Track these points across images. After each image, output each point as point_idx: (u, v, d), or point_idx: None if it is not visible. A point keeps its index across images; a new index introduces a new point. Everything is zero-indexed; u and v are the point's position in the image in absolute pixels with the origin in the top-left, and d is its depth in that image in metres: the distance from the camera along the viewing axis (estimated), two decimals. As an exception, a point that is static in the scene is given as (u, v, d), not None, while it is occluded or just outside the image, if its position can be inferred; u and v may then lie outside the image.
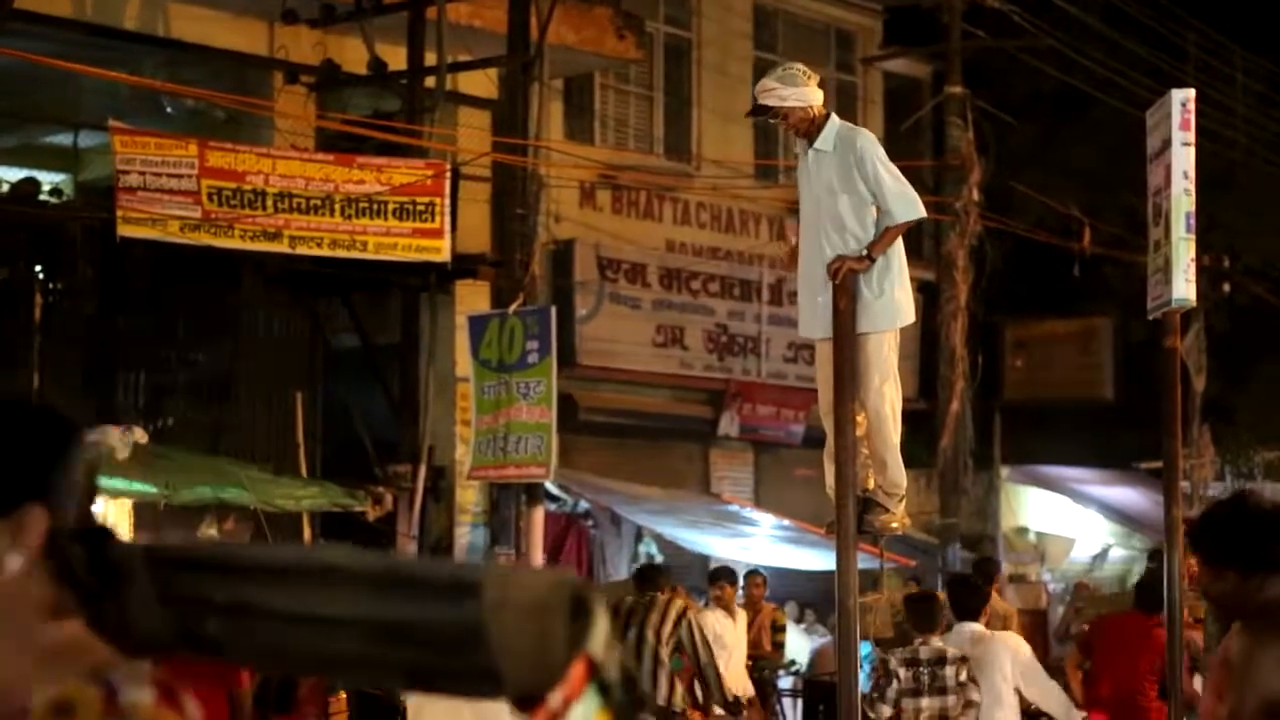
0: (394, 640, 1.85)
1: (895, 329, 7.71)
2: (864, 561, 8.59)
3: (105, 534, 1.98)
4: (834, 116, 7.71)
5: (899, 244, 7.72)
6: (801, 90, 7.60)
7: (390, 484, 15.28)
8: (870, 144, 7.63)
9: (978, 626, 9.59)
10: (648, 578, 11.22)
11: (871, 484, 7.77)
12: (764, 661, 14.95)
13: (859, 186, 7.55)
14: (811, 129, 7.65)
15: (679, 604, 10.87)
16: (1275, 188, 24.75)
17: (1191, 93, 8.59)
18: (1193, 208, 8.49)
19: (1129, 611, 11.72)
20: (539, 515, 15.74)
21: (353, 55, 16.60)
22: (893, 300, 7.63)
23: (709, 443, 20.38)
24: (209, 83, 15.94)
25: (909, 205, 7.62)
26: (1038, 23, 21.10)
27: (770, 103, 7.62)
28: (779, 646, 15.33)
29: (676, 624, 10.53)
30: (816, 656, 16.96)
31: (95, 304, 15.99)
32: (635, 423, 19.26)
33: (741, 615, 13.71)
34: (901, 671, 9.05)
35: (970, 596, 9.86)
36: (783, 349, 20.30)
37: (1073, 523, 23.56)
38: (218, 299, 16.20)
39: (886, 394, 7.63)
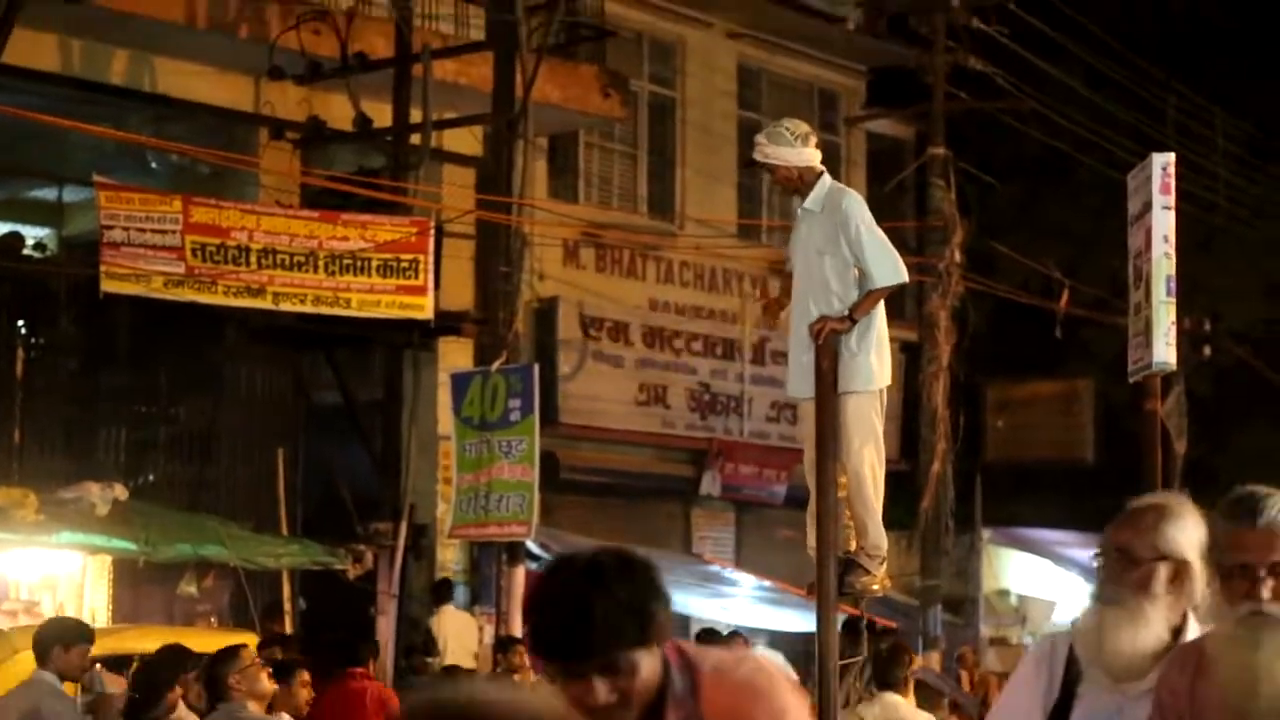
0: None
1: (872, 391, 7.72)
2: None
3: None
4: (826, 177, 7.75)
5: (880, 307, 7.74)
6: (783, 150, 7.65)
7: (371, 542, 15.22)
8: (855, 205, 7.66)
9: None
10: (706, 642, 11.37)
11: (853, 545, 7.76)
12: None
13: (842, 249, 7.59)
14: (800, 187, 7.69)
15: None
16: (1256, 251, 24.87)
17: (1172, 156, 8.62)
18: (1173, 271, 8.51)
19: None
20: (520, 574, 15.68)
21: (338, 112, 16.65)
22: (869, 362, 7.65)
23: (691, 502, 20.36)
24: (194, 138, 15.97)
25: (891, 270, 7.64)
26: (1020, 85, 21.24)
27: (758, 159, 7.71)
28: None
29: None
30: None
31: (78, 359, 15.98)
32: (617, 481, 19.23)
33: None
34: None
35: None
36: (765, 408, 20.30)
37: (1054, 585, 23.53)
38: (200, 355, 16.19)
39: (866, 456, 7.63)
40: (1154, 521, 3.87)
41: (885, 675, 9.37)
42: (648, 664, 3.14)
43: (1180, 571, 3.82)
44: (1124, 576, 3.86)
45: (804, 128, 7.80)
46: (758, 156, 7.70)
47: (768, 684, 3.26)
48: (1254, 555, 3.58)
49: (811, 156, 7.70)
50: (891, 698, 9.24)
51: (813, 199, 7.68)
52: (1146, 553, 3.85)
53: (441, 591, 15.68)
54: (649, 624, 3.12)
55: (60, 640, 8.61)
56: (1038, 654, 4.16)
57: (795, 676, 5.15)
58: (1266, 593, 3.57)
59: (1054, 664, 4.01)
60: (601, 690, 3.10)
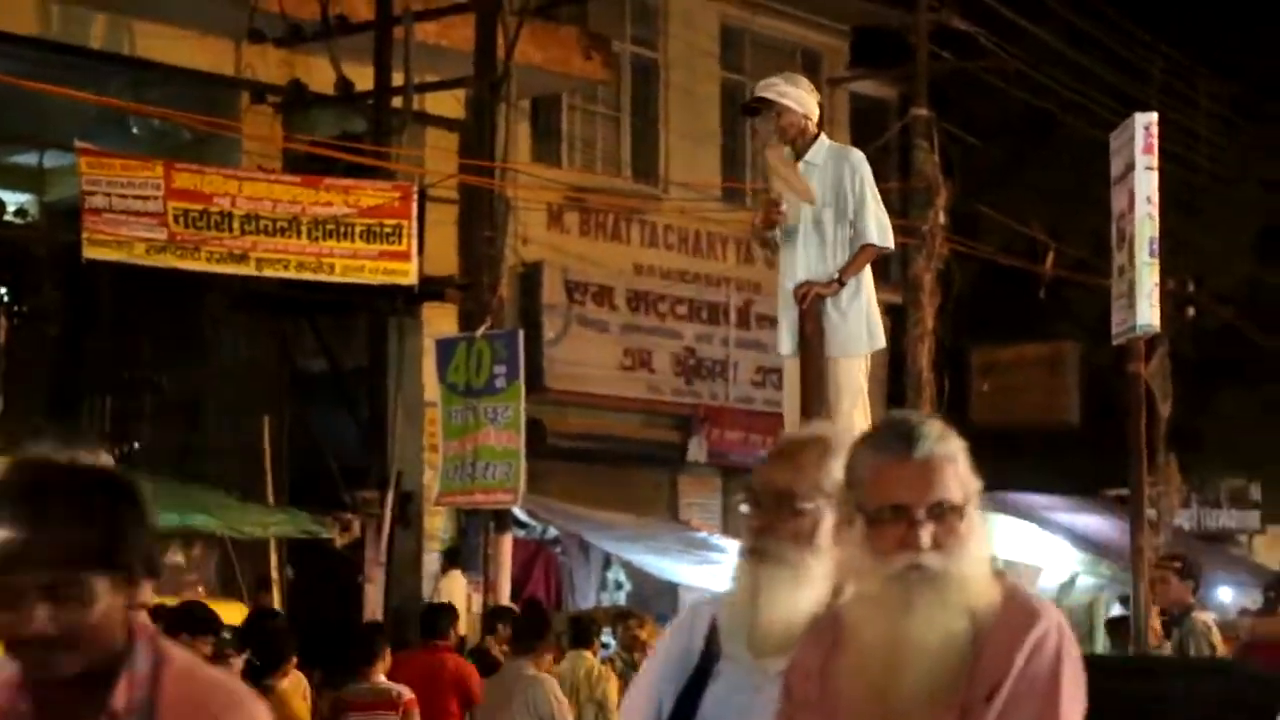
0: None
1: (866, 354, 7.71)
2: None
3: None
4: (824, 136, 7.74)
5: (868, 269, 7.73)
6: (802, 95, 7.63)
7: (358, 510, 15.20)
8: (863, 162, 7.67)
9: None
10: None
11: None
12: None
13: (845, 201, 7.57)
14: (801, 139, 7.65)
15: None
16: (1240, 212, 24.87)
17: (1154, 116, 8.61)
18: (1156, 232, 8.50)
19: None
20: (507, 542, 15.67)
21: (319, 75, 16.56)
22: (864, 324, 7.63)
23: (677, 468, 20.35)
24: (175, 102, 15.87)
25: (884, 232, 7.64)
26: (1004, 45, 21.19)
27: (769, 95, 7.63)
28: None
29: None
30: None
31: (60, 326, 15.93)
32: (603, 447, 19.21)
33: None
34: None
35: None
36: (751, 373, 20.29)
37: (1039, 550, 23.57)
38: (184, 322, 16.14)
39: (856, 420, 7.62)
40: (818, 457, 3.24)
41: None
42: (108, 604, 2.57)
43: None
44: (782, 526, 3.21)
45: (812, 85, 7.80)
46: (770, 94, 7.63)
47: (244, 696, 2.73)
48: (910, 494, 2.90)
49: (817, 111, 7.70)
50: None
51: (815, 152, 7.66)
52: (810, 495, 3.21)
53: (451, 557, 15.82)
54: (120, 549, 2.59)
55: None
56: (677, 624, 3.51)
57: None
58: (925, 540, 2.89)
59: (693, 636, 3.36)
60: (40, 617, 2.52)
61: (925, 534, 2.89)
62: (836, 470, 3.12)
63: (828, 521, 3.17)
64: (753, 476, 3.34)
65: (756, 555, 3.23)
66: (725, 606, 3.30)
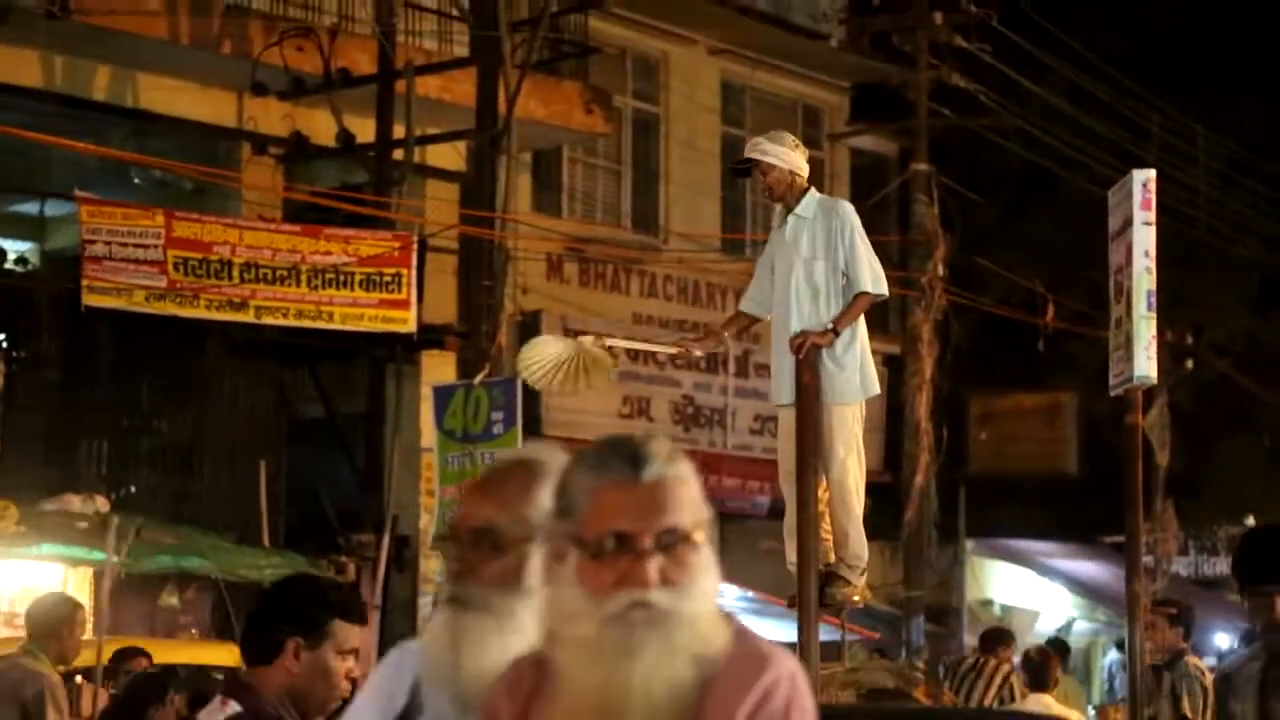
0: None
1: (861, 401, 7.76)
2: (827, 634, 8.60)
3: None
4: (814, 189, 7.84)
5: (861, 319, 7.79)
6: (784, 152, 7.74)
7: (354, 554, 15.21)
8: (852, 213, 7.77)
9: None
10: (989, 640, 12.23)
11: (833, 557, 7.78)
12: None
13: (835, 253, 7.64)
14: (789, 195, 7.75)
15: (1004, 669, 11.57)
16: (1237, 265, 24.97)
17: (1152, 173, 8.66)
18: (1154, 286, 8.54)
19: None
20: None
21: (321, 127, 16.66)
22: (859, 373, 7.69)
23: (674, 515, 20.34)
24: (177, 153, 15.96)
25: (878, 280, 7.72)
26: (1003, 102, 21.33)
27: (755, 155, 7.75)
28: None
29: (999, 689, 11.35)
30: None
31: (59, 372, 15.97)
32: (600, 495, 19.21)
33: None
34: None
35: None
36: (749, 421, 20.33)
37: (1037, 596, 23.58)
38: (183, 369, 16.19)
39: (850, 466, 7.67)
40: (523, 486, 2.91)
41: (1038, 678, 10.34)
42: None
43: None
44: (483, 567, 2.88)
45: (797, 139, 7.91)
46: (754, 154, 7.76)
47: None
48: (635, 521, 2.54)
49: (804, 165, 7.80)
50: (1044, 698, 10.13)
51: (804, 205, 7.76)
52: (514, 530, 2.87)
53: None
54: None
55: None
56: (380, 672, 3.19)
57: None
58: (652, 574, 2.53)
59: (396, 686, 3.09)
60: None
61: (652, 567, 2.52)
62: (546, 499, 2.77)
63: (536, 558, 2.80)
64: (451, 513, 3.12)
65: (456, 603, 2.90)
66: (425, 658, 2.99)
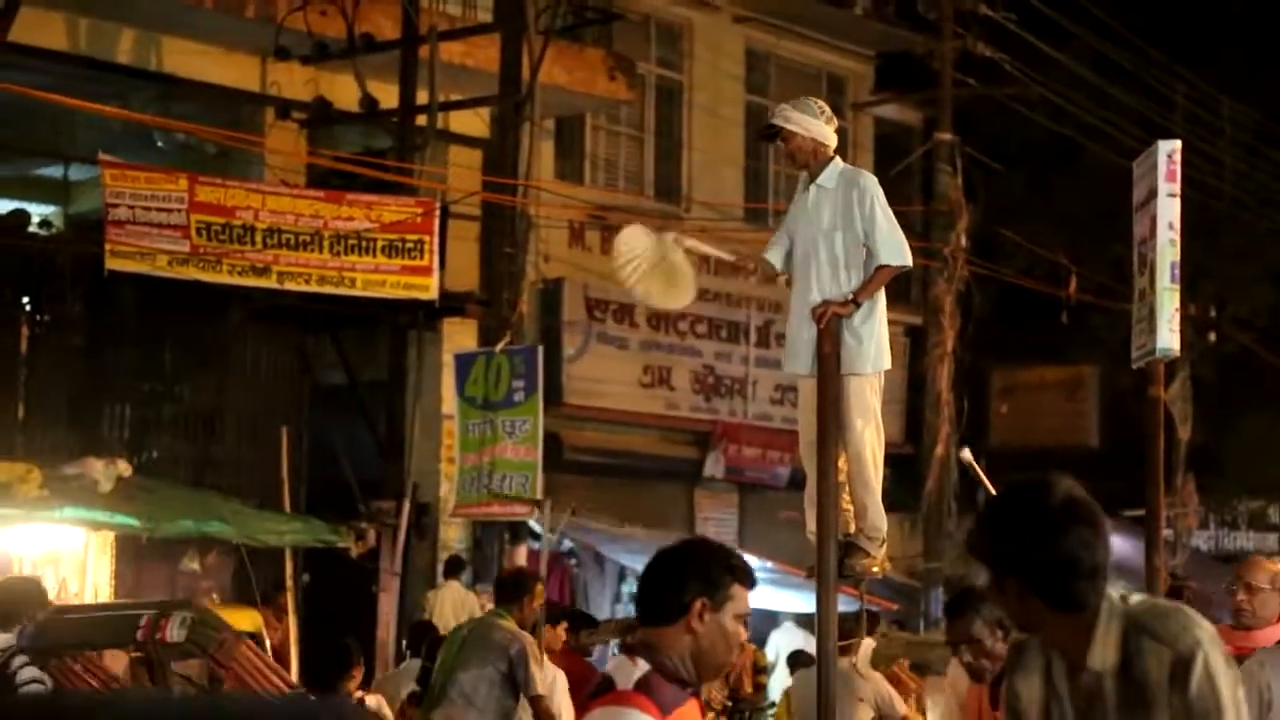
0: None
1: (879, 373, 7.74)
2: (845, 604, 8.60)
3: None
4: (838, 159, 7.78)
5: (881, 291, 7.76)
6: (808, 120, 7.66)
7: (374, 520, 15.26)
8: (874, 185, 7.69)
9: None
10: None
11: (853, 528, 7.78)
12: (744, 703, 14.91)
13: (856, 225, 7.60)
14: (813, 163, 7.70)
15: None
16: (1262, 238, 24.85)
17: (1177, 144, 8.62)
18: (1178, 258, 8.51)
19: None
20: (522, 553, 15.71)
21: (345, 93, 16.64)
22: (875, 345, 7.66)
23: (694, 483, 20.38)
24: (200, 118, 15.97)
25: (899, 251, 7.66)
26: (1028, 71, 21.22)
27: (778, 122, 7.68)
28: (760, 688, 15.30)
29: None
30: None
31: (82, 336, 16.01)
32: (621, 462, 19.25)
33: None
34: None
35: None
36: (769, 391, 20.32)
37: (1057, 570, 23.54)
38: (205, 333, 16.22)
39: (868, 438, 7.65)
40: None
41: None
42: None
43: None
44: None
45: (827, 108, 7.84)
46: (778, 121, 7.69)
47: None
48: None
49: (830, 135, 7.73)
50: None
51: (827, 175, 7.69)
52: None
53: (450, 567, 15.68)
54: None
55: None
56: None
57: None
58: None
59: None
60: None
61: None
62: None
63: None
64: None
65: None
66: None
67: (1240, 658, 4.93)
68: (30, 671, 8.00)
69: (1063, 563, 3.40)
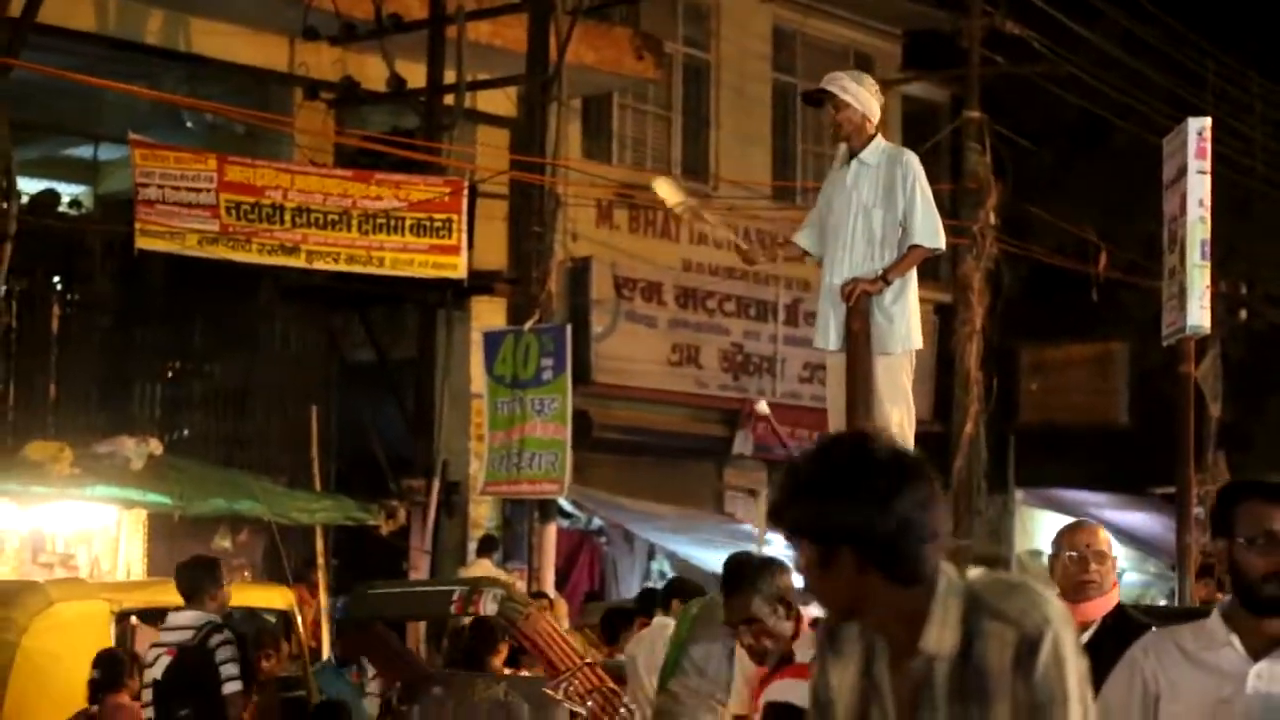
0: None
1: (909, 353, 7.73)
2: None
3: None
4: (881, 136, 7.75)
5: (913, 270, 7.74)
6: (864, 94, 7.64)
7: (404, 498, 15.31)
8: (917, 164, 7.67)
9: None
10: None
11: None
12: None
13: (898, 203, 7.58)
14: (855, 137, 7.67)
15: None
16: (1293, 216, 24.73)
17: (1208, 121, 8.61)
18: (1208, 235, 8.51)
19: None
20: (551, 531, 15.75)
21: (372, 72, 16.67)
22: (906, 324, 7.65)
23: (723, 462, 20.38)
24: (229, 98, 16.01)
25: (934, 233, 7.64)
26: (1057, 49, 21.12)
27: (833, 89, 7.62)
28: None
29: None
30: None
31: (113, 315, 16.08)
32: (650, 441, 19.26)
33: None
34: None
35: None
36: (798, 369, 20.31)
37: (1087, 546, 23.49)
38: (235, 312, 16.27)
39: (896, 416, 7.64)
40: None
41: None
42: None
43: None
44: None
45: (878, 86, 7.82)
46: (833, 88, 7.63)
47: None
48: None
49: (877, 112, 7.72)
50: None
51: (869, 152, 7.66)
52: None
53: (484, 545, 15.71)
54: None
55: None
56: None
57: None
58: None
59: None
60: None
61: None
62: None
63: None
64: None
65: None
66: None
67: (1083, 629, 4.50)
68: (228, 650, 8.13)
69: (902, 526, 2.88)
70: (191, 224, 14.08)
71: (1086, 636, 4.90)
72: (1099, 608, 5.30)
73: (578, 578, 17.21)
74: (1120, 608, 5.43)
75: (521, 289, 15.97)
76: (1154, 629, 4.30)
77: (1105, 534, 5.49)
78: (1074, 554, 5.35)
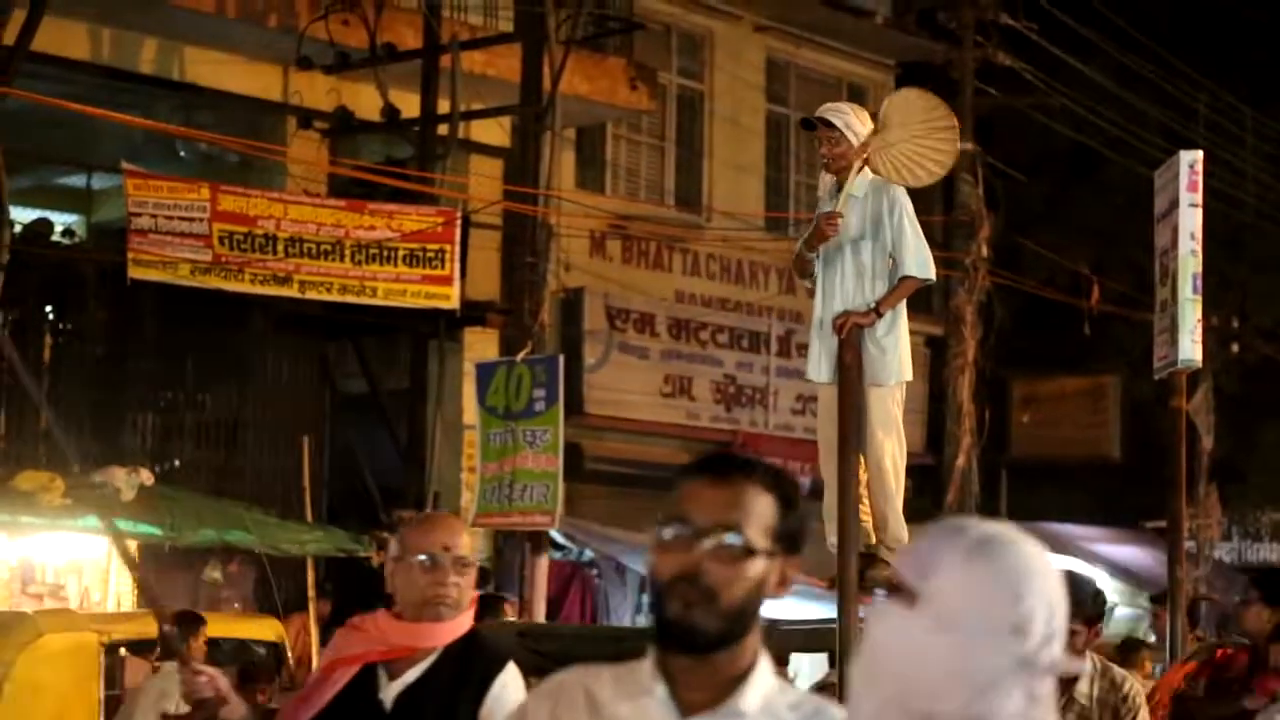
0: None
1: (901, 384, 7.73)
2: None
3: None
4: (869, 169, 7.75)
5: (903, 303, 7.75)
6: (861, 129, 7.64)
7: (395, 529, 15.23)
8: (903, 196, 7.67)
9: None
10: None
11: (874, 539, 7.77)
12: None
13: (884, 234, 7.59)
14: (845, 170, 7.68)
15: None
16: (1286, 249, 24.79)
17: (1199, 154, 8.62)
18: (1199, 269, 8.51)
19: None
20: (543, 563, 15.70)
21: (366, 102, 16.69)
22: (898, 356, 7.65)
23: (715, 494, 20.33)
24: (223, 127, 16.03)
25: (925, 264, 7.65)
26: (1049, 81, 21.19)
27: (833, 119, 7.61)
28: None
29: None
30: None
31: (105, 345, 16.05)
32: (642, 472, 19.21)
33: None
34: None
35: None
36: (791, 401, 20.30)
37: (1079, 580, 23.47)
38: (227, 342, 16.25)
39: (889, 448, 7.64)
40: None
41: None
42: None
43: None
44: None
45: (871, 121, 7.80)
46: (835, 119, 7.62)
47: None
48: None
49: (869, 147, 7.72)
50: None
51: (858, 185, 7.67)
52: None
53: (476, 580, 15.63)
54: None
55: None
56: None
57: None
58: None
59: None
60: None
61: None
62: None
63: None
64: None
65: None
66: None
67: None
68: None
69: None
70: (184, 253, 14.09)
71: (420, 669, 4.10)
72: (449, 631, 4.22)
73: (569, 610, 17.15)
74: (475, 632, 4.28)
75: (514, 319, 15.97)
76: (577, 666, 2.86)
77: (467, 536, 4.38)
78: (425, 558, 4.20)
